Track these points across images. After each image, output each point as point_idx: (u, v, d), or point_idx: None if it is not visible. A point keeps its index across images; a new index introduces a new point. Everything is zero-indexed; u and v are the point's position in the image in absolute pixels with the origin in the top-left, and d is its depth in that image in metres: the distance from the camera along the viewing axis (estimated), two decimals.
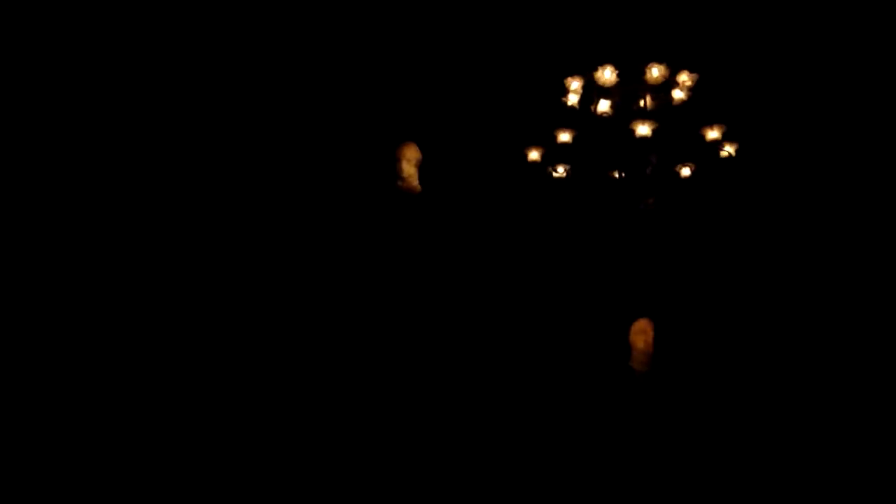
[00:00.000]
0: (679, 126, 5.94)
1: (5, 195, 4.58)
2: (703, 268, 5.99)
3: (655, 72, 5.94)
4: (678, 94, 5.98)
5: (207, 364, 4.73)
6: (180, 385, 4.68)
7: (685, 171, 5.99)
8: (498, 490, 5.13)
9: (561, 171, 6.04)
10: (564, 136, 6.01)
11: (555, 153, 6.03)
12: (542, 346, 5.61)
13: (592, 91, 5.98)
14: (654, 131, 5.84)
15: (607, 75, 5.93)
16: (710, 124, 5.95)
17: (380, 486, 4.75)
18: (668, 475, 5.34)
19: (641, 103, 5.98)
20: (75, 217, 4.72)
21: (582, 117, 5.97)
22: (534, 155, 6.06)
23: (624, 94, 5.97)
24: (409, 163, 5.57)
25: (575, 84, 6.03)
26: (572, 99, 6.01)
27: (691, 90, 5.96)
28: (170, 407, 4.60)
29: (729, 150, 5.91)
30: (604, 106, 6.00)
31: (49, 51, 4.78)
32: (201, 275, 4.94)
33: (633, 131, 5.82)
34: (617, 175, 5.92)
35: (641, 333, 5.63)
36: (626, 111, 5.94)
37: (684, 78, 5.98)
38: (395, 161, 5.53)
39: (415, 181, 5.59)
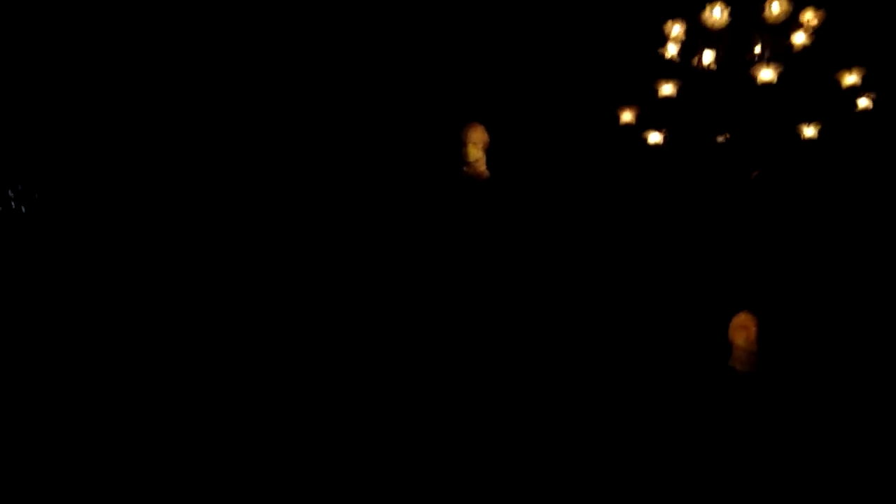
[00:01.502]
0: (801, 76, 5.00)
1: (5, 195, 4.56)
2: (823, 254, 5.08)
3: (776, 6, 5.01)
4: (800, 38, 5.04)
5: (225, 361, 4.63)
6: (190, 383, 4.56)
7: (809, 132, 5.08)
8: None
9: (657, 137, 5.27)
10: (667, 89, 5.19)
11: (650, 115, 5.27)
12: (630, 344, 5.04)
13: (696, 38, 5.13)
14: (780, 76, 4.96)
15: (716, 14, 5.07)
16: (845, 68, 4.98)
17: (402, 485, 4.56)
18: (773, 491, 4.75)
19: (757, 50, 5.06)
20: (75, 217, 4.64)
21: (683, 71, 5.14)
22: (627, 116, 5.31)
23: (735, 39, 5.08)
24: (476, 146, 5.07)
25: (676, 29, 5.19)
26: (671, 50, 5.18)
27: (816, 32, 5.00)
28: (172, 406, 4.50)
29: (865, 101, 4.94)
30: (710, 56, 5.14)
31: (49, 51, 4.67)
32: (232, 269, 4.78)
33: (753, 78, 4.96)
34: (723, 140, 5.10)
35: (743, 329, 4.93)
36: (738, 62, 5.07)
37: (809, 17, 5.01)
38: (461, 145, 5.05)
39: (482, 166, 5.10)
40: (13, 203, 4.51)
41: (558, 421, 4.87)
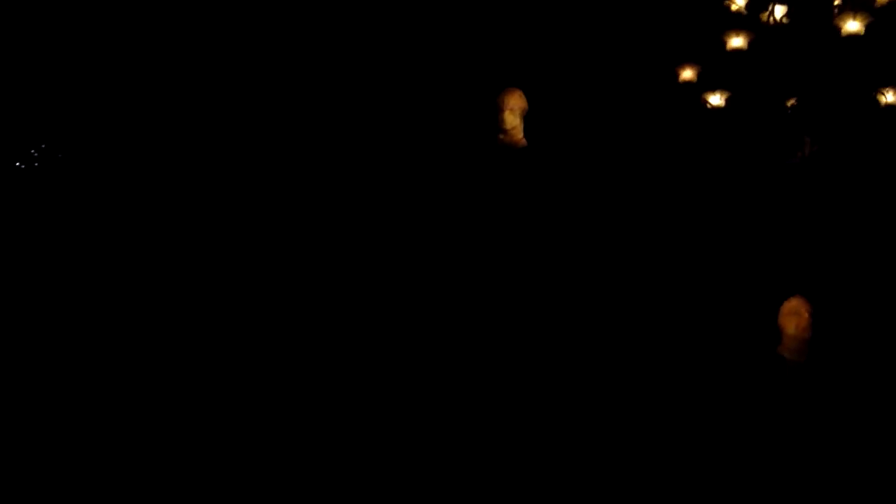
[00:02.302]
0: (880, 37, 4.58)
1: (5, 195, 4.42)
2: (885, 236, 4.69)
3: None
4: None
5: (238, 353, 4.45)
6: (190, 382, 4.40)
7: (889, 98, 4.67)
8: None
9: (718, 99, 4.92)
10: (737, 41, 4.77)
11: (713, 75, 4.90)
12: (673, 328, 4.73)
13: None
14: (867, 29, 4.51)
15: None
16: None
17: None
18: (819, 487, 4.43)
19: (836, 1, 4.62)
20: (75, 217, 4.50)
21: (752, 25, 4.73)
22: (688, 74, 4.94)
23: None
24: (513, 112, 4.76)
25: None
26: (739, 1, 4.77)
27: None
28: (171, 405, 4.35)
29: None
30: (782, 10, 4.72)
31: (49, 51, 4.53)
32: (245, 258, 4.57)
33: (836, 30, 4.52)
34: (793, 104, 4.71)
35: (794, 315, 4.59)
36: (811, 17, 4.67)
37: None
38: (497, 111, 4.75)
39: (520, 134, 4.79)
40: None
41: (596, 407, 4.59)
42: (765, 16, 4.73)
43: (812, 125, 4.77)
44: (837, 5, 4.55)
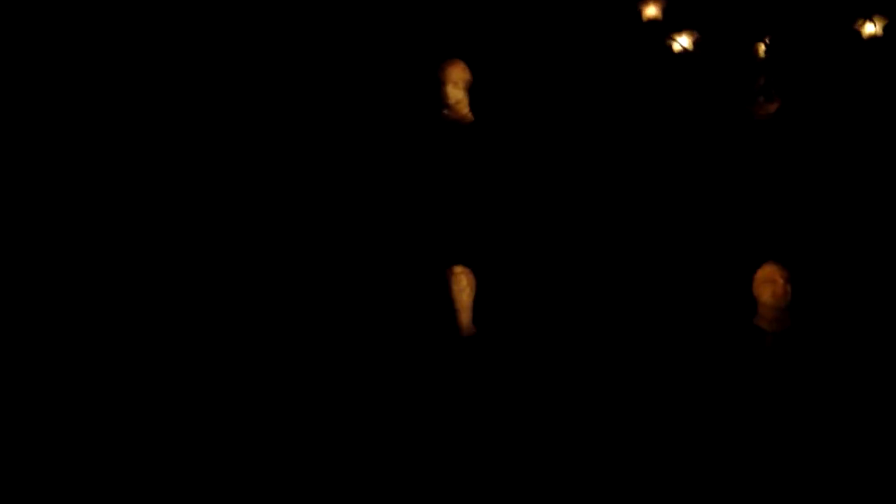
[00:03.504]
0: None
1: (5, 195, 4.27)
2: (860, 194, 4.33)
3: None
4: None
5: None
6: (189, 382, 4.22)
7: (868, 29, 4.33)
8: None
9: (684, 41, 4.53)
10: None
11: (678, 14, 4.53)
12: (635, 303, 4.40)
13: None
14: None
15: None
16: None
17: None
18: (801, 468, 4.13)
19: None
20: (75, 216, 4.32)
21: None
22: (652, 11, 4.57)
23: None
24: (457, 86, 4.46)
25: None
26: None
27: None
28: (170, 405, 4.20)
29: None
30: None
31: (49, 51, 4.37)
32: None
33: None
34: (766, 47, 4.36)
35: (769, 283, 4.28)
36: None
37: None
38: (439, 85, 4.43)
39: (465, 108, 4.48)
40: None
41: (566, 384, 4.30)
42: None
43: (786, 72, 4.41)
44: None
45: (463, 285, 4.26)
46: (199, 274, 4.26)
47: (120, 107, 4.37)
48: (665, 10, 4.57)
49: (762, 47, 4.35)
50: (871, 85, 4.38)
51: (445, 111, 4.46)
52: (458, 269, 4.27)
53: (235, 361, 4.21)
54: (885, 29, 4.37)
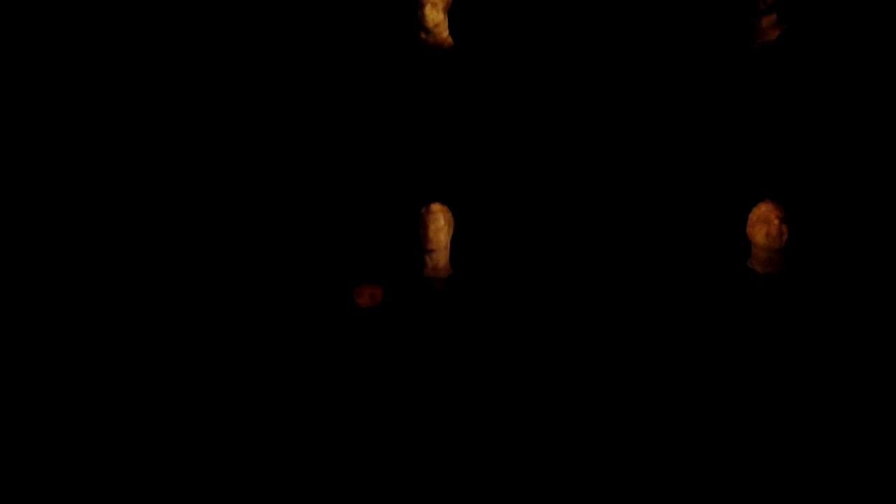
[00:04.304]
0: None
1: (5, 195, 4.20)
2: (862, 127, 4.05)
3: None
4: None
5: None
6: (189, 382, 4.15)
7: None
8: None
9: None
10: None
11: None
12: (622, 243, 4.17)
13: None
14: None
15: None
16: None
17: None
18: (798, 420, 3.95)
19: None
20: (75, 216, 4.24)
21: None
22: None
23: None
24: (436, 7, 4.14)
25: None
26: None
27: None
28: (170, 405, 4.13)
29: None
30: None
31: (49, 50, 4.26)
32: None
33: None
34: None
35: (763, 223, 4.04)
36: None
37: None
38: (417, 6, 4.12)
39: (445, 32, 4.17)
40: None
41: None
42: None
43: None
44: None
45: (440, 224, 4.01)
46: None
47: (119, 106, 4.24)
48: None
49: None
50: (886, 15, 4.08)
51: (423, 35, 4.15)
52: (436, 208, 4.02)
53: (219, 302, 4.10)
54: None
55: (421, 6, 4.12)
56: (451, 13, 4.16)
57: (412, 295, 3.97)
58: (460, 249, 4.05)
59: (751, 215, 4.06)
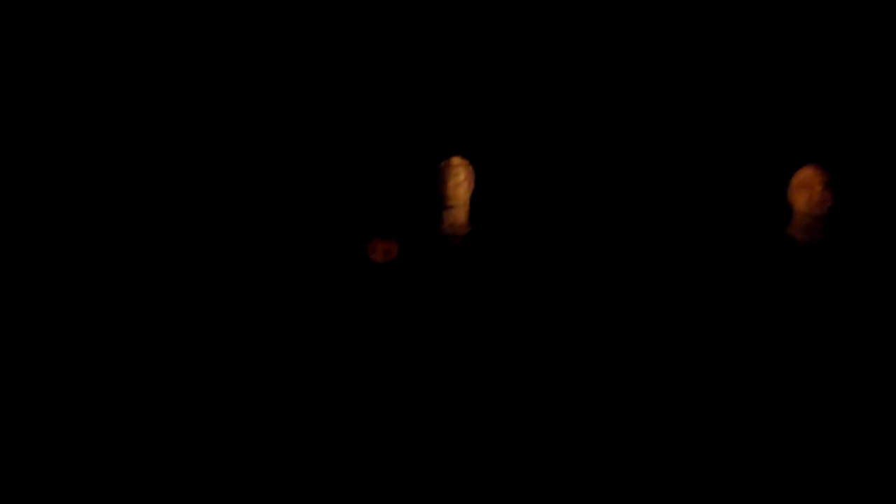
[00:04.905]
0: None
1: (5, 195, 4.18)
2: None
3: None
4: None
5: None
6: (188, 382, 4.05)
7: None
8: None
9: None
10: None
11: None
12: (655, 202, 3.96)
13: None
14: None
15: None
16: None
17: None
18: (837, 389, 3.73)
19: None
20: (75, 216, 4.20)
21: None
22: None
23: None
24: None
25: None
26: None
27: None
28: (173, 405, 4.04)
29: None
30: None
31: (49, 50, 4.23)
32: None
33: None
34: None
35: (805, 188, 3.80)
36: None
37: None
38: None
39: None
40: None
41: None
42: None
43: None
44: None
45: (460, 180, 3.82)
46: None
47: (118, 106, 4.20)
48: None
49: None
50: None
51: None
52: (456, 161, 3.82)
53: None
54: None
55: None
56: None
57: (428, 252, 3.80)
58: (480, 206, 3.87)
59: (792, 180, 3.82)
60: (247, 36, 4.05)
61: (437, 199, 3.79)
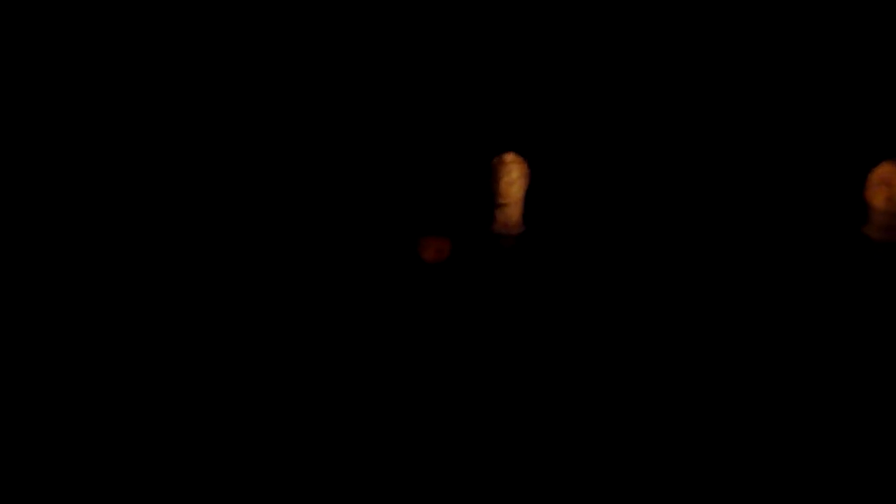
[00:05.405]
0: None
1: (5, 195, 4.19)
2: None
3: None
4: None
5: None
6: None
7: None
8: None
9: None
10: None
11: None
12: (725, 198, 3.77)
13: None
14: None
15: None
16: None
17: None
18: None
19: None
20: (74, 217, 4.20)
21: None
22: None
23: None
24: None
25: None
26: None
27: None
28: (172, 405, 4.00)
29: None
30: None
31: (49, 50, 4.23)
32: None
33: None
34: None
35: (884, 186, 3.58)
36: None
37: None
38: None
39: None
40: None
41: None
42: None
43: None
44: None
45: (514, 177, 3.68)
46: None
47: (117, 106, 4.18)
48: None
49: None
50: None
51: None
52: (510, 158, 3.69)
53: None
54: None
55: None
56: None
57: (480, 251, 3.68)
58: (535, 205, 3.73)
59: (871, 176, 3.61)
60: (291, 31, 3.99)
61: (490, 196, 3.67)
